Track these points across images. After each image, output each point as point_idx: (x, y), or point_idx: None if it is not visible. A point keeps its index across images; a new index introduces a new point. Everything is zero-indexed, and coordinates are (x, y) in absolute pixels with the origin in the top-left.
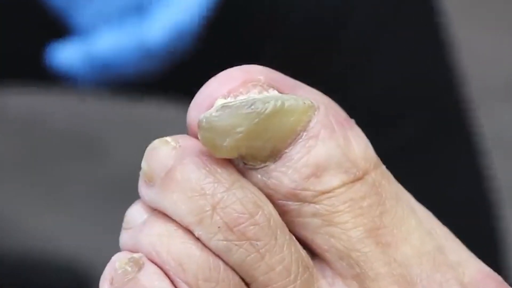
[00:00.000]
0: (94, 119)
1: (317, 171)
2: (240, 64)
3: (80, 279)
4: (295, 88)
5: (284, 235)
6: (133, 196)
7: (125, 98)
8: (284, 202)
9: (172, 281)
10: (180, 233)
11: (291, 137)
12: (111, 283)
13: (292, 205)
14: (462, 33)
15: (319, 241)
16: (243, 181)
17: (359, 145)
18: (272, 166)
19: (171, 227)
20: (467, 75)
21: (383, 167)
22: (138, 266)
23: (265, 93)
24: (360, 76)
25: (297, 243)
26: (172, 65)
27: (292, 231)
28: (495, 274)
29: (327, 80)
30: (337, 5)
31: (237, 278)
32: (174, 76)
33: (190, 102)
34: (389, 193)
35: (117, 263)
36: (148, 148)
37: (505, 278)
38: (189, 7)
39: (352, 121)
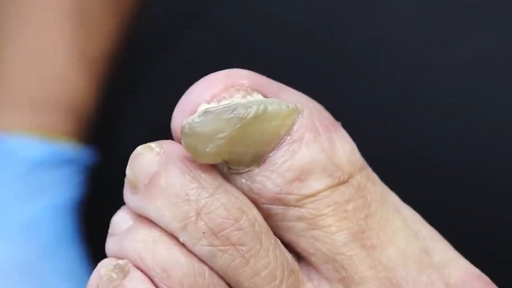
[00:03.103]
0: None
1: (301, 175)
2: None
3: None
4: (279, 92)
5: (269, 240)
6: None
7: None
8: (269, 206)
9: None
10: (165, 239)
11: (275, 141)
12: None
13: (277, 209)
14: None
15: (304, 245)
16: (227, 186)
17: (344, 148)
18: (256, 171)
19: (155, 233)
20: None
21: (369, 169)
22: (124, 272)
23: (248, 98)
24: None
25: (282, 247)
26: None
27: (277, 235)
28: (481, 274)
29: None
30: None
31: (222, 284)
32: None
33: None
34: (374, 196)
35: (103, 269)
36: (132, 155)
37: None
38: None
39: (338, 124)
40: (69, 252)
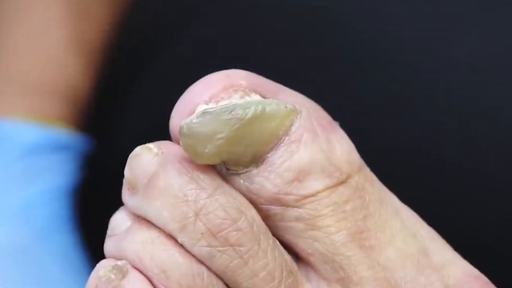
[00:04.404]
0: None
1: (300, 176)
2: None
3: None
4: (278, 92)
5: (268, 240)
6: None
7: None
8: (267, 206)
9: None
10: (163, 240)
11: (273, 141)
12: None
13: (275, 209)
14: None
15: (303, 245)
16: (226, 187)
17: (342, 148)
18: (255, 171)
19: (154, 234)
20: None
21: (367, 169)
22: (122, 273)
23: (247, 98)
24: None
25: (281, 247)
26: None
27: (275, 235)
28: (480, 275)
29: None
30: None
31: (221, 284)
32: None
33: None
34: (373, 196)
35: (101, 270)
36: (130, 155)
37: None
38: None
39: (336, 124)
40: (63, 237)
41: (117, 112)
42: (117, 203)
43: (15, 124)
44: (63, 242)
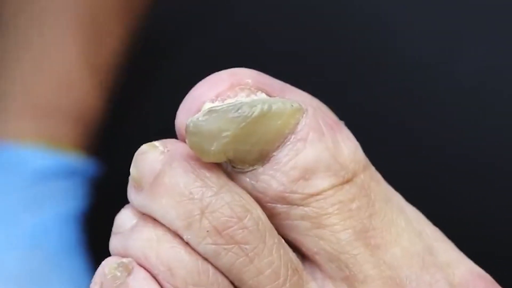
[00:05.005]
0: None
1: (306, 174)
2: None
3: None
4: (283, 91)
5: (273, 238)
6: None
7: None
8: (273, 205)
9: (161, 286)
10: (169, 237)
11: (279, 140)
12: None
13: (281, 208)
14: None
15: (309, 244)
16: (232, 185)
17: (348, 147)
18: (261, 169)
19: (160, 232)
20: None
21: (373, 168)
22: (128, 271)
23: (253, 97)
24: None
25: (286, 246)
26: None
27: (281, 233)
28: (485, 274)
29: None
30: None
31: (226, 282)
32: None
33: None
34: (378, 195)
35: (107, 268)
36: (136, 153)
37: None
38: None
39: (341, 123)
40: (73, 262)
41: (125, 132)
42: None
43: (26, 149)
44: (73, 267)
